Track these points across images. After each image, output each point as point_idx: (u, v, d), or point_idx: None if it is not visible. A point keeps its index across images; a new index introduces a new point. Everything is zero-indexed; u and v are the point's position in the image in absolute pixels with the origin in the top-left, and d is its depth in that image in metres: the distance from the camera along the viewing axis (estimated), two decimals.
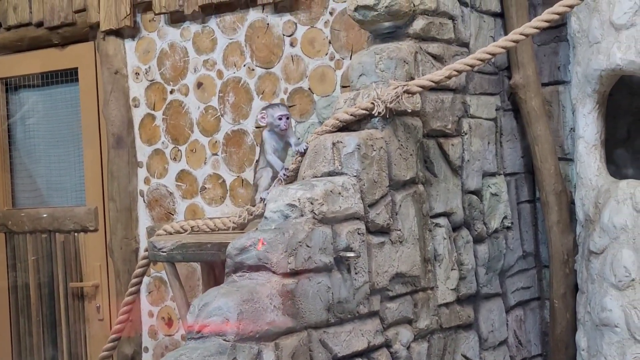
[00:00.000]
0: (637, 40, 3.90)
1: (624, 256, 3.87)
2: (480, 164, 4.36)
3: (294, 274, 3.15)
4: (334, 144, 3.57)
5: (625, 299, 3.87)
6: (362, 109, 3.68)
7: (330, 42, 4.88)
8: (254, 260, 3.12)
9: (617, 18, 3.98)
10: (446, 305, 4.02)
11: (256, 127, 5.05)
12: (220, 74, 5.24)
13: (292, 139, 4.03)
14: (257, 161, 4.21)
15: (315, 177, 3.56)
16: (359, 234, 3.45)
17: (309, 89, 4.95)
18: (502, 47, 3.73)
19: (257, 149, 4.69)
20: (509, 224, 4.58)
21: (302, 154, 3.74)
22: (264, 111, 4.07)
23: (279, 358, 3.01)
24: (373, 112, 3.65)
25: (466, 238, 4.22)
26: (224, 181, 5.26)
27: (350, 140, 3.56)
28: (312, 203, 3.32)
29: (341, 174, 3.54)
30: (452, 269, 4.06)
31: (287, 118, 4.01)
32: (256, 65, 5.13)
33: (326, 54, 4.90)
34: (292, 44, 5.00)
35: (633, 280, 3.84)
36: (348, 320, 3.38)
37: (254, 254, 3.12)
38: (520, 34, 3.69)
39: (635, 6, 3.91)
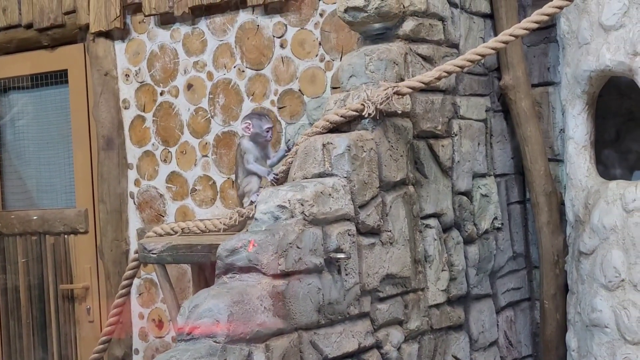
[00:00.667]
0: (626, 41, 3.91)
1: (613, 257, 3.88)
2: (470, 165, 4.37)
3: (285, 275, 3.15)
4: (324, 145, 3.57)
5: (615, 299, 3.87)
6: (352, 110, 3.68)
7: (320, 44, 4.88)
8: (244, 262, 3.11)
9: (606, 19, 3.99)
10: (437, 306, 4.02)
11: None
12: (210, 75, 5.23)
13: (271, 153, 4.19)
14: (236, 174, 4.22)
15: (306, 178, 3.55)
16: (349, 235, 3.45)
17: (299, 90, 4.95)
18: (492, 48, 3.74)
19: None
20: (499, 225, 4.58)
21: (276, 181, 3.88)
22: (248, 121, 4.14)
23: (269, 359, 3.01)
24: (363, 114, 3.65)
25: (456, 239, 4.22)
26: (214, 183, 5.25)
27: (340, 141, 3.56)
28: (302, 204, 3.31)
29: (331, 175, 3.54)
30: (442, 270, 4.06)
31: (271, 129, 4.18)
32: (246, 67, 5.12)
33: (316, 56, 4.89)
34: (282, 46, 4.99)
35: (623, 280, 3.85)
36: (338, 322, 3.38)
37: (244, 256, 3.11)
38: (510, 35, 3.69)
39: (624, 7, 3.92)
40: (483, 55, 3.73)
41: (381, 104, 3.64)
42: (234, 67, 5.16)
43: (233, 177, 5.09)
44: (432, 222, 4.04)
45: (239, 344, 2.92)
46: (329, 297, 3.33)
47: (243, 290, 3.02)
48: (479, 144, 4.47)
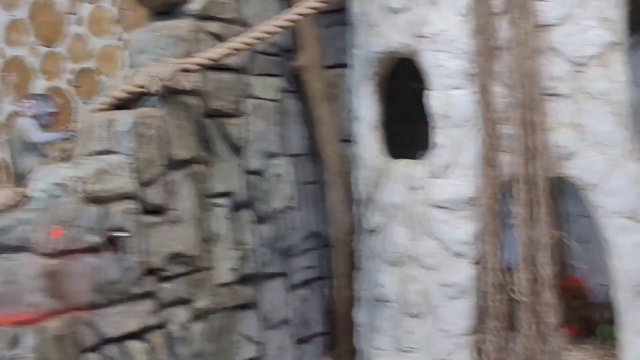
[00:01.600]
0: (412, 23, 4.01)
1: (397, 233, 3.99)
2: (262, 144, 4.37)
3: (59, 254, 3.07)
4: (108, 122, 3.50)
5: (398, 274, 3.98)
6: (137, 87, 3.62)
7: (118, 22, 4.78)
8: (15, 241, 3.02)
9: (394, 2, 4.09)
10: (226, 285, 4.00)
11: None
12: (1, 52, 5.03)
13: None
14: (12, 155, 4.10)
15: (88, 155, 3.47)
16: (131, 213, 3.39)
17: (96, 68, 4.84)
18: (280, 27, 3.77)
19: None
20: (293, 205, 4.61)
21: None
22: (32, 101, 4.08)
23: (40, 341, 2.91)
24: (150, 90, 3.60)
25: (248, 218, 4.22)
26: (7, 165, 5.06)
27: (125, 118, 3.50)
28: (83, 182, 3.23)
29: (115, 152, 3.47)
30: (232, 249, 4.05)
31: (54, 115, 4.24)
32: (40, 44, 4.95)
33: (113, 34, 4.79)
34: (77, 23, 4.85)
35: (406, 256, 3.96)
36: (119, 301, 3.32)
37: (14, 235, 3.02)
38: (297, 14, 3.74)
39: None
40: (270, 33, 3.76)
41: (168, 80, 3.60)
42: (27, 44, 4.97)
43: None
44: (222, 201, 4.02)
45: (5, 326, 2.81)
46: (109, 276, 3.26)
47: (12, 270, 2.93)
48: (273, 124, 4.48)
